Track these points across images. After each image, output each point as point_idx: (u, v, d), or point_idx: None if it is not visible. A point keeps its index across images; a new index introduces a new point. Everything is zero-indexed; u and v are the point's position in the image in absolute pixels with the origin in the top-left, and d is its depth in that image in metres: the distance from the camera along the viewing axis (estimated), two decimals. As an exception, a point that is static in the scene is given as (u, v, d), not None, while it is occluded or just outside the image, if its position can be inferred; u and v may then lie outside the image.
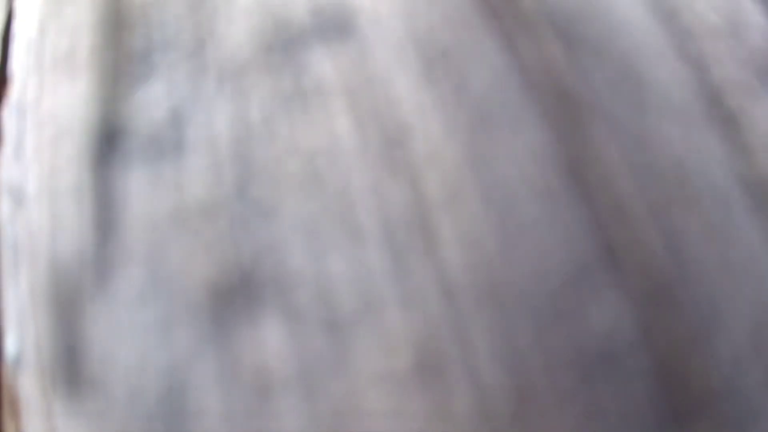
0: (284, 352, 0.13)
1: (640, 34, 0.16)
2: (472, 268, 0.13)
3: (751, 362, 0.13)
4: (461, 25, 0.15)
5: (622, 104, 0.15)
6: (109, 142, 0.15)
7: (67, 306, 0.14)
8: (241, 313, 0.14)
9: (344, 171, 0.14)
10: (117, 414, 0.13)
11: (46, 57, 0.17)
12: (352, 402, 0.13)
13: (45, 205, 0.15)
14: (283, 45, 0.16)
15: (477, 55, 0.15)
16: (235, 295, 0.14)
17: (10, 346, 0.15)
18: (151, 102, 0.16)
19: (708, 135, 0.15)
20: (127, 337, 0.14)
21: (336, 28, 0.16)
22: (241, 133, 0.15)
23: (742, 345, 0.13)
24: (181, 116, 0.15)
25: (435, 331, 0.13)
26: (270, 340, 0.13)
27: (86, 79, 0.16)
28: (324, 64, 0.15)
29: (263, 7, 0.16)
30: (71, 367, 0.14)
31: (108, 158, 0.15)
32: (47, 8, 0.18)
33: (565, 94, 0.15)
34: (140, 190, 0.15)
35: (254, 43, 0.16)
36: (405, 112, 0.15)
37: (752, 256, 0.14)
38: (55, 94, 0.16)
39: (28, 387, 0.15)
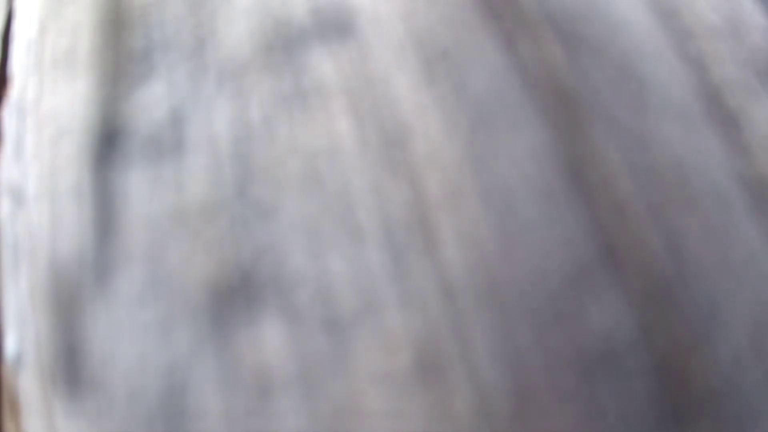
0: (284, 352, 0.13)
1: (640, 34, 0.16)
2: (472, 268, 0.13)
3: (751, 362, 0.13)
4: (461, 25, 0.15)
5: (622, 104, 0.15)
6: (109, 142, 0.15)
7: (67, 306, 0.14)
8: (241, 313, 0.14)
9: (344, 171, 0.14)
10: (117, 414, 0.13)
11: (46, 57, 0.17)
12: (352, 402, 0.13)
13: (45, 205, 0.15)
14: (283, 45, 0.16)
15: (477, 55, 0.15)
16: (235, 295, 0.14)
17: (10, 346, 0.15)
18: (151, 102, 0.16)
19: (708, 135, 0.15)
20: (127, 337, 0.14)
21: (336, 28, 0.16)
22: (241, 133, 0.15)
23: (742, 345, 0.13)
24: (181, 116, 0.15)
25: (435, 331, 0.13)
26: (270, 340, 0.13)
27: (86, 79, 0.16)
28: (324, 64, 0.15)
29: (263, 7, 0.16)
30: (71, 367, 0.14)
31: (108, 158, 0.15)
32: (47, 8, 0.18)
33: (565, 94, 0.15)
34: (140, 190, 0.15)
35: (254, 43, 0.16)
36: (405, 112, 0.15)
37: (752, 256, 0.14)
38: (55, 94, 0.16)
39: (28, 387, 0.15)
